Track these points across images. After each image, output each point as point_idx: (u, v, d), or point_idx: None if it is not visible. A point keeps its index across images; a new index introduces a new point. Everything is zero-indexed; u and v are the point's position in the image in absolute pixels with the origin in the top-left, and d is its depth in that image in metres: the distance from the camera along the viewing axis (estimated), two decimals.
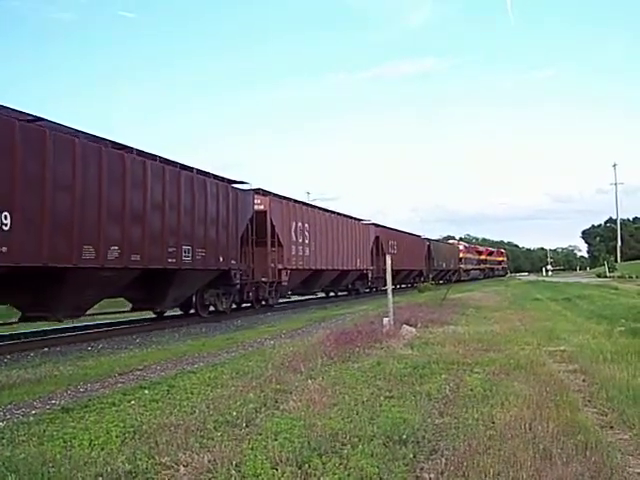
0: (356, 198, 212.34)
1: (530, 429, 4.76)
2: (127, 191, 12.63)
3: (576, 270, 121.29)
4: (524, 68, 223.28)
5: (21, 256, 10.09)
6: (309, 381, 6.77)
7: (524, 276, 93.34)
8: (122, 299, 16.18)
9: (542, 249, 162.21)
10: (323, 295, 29.64)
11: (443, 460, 4.16)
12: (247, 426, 5.04)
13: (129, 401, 6.04)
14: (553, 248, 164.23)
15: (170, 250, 14.06)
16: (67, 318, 13.01)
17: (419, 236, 47.00)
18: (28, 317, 12.43)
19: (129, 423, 5.11)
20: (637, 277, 54.30)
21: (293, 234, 21.85)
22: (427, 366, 7.70)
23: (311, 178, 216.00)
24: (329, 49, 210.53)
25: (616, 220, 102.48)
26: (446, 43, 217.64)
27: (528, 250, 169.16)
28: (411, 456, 4.24)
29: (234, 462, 4.09)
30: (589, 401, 6.12)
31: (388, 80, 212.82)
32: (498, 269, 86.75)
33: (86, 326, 15.18)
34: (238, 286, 18.09)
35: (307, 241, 23.02)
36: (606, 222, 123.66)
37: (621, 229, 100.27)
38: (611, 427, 5.18)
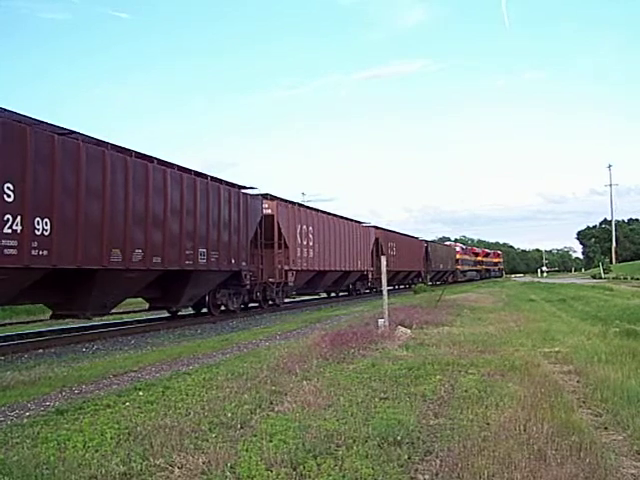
0: (351, 199, 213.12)
1: (525, 430, 4.77)
2: (150, 198, 13.60)
3: (571, 271, 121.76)
4: (517, 69, 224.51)
5: (59, 259, 10.98)
6: (304, 382, 6.77)
7: (519, 277, 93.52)
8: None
9: (537, 250, 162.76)
10: (325, 295, 30.63)
11: (438, 461, 4.17)
12: (242, 427, 5.04)
13: (124, 403, 6.02)
14: (548, 249, 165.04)
15: (187, 252, 15.05)
16: (94, 316, 13.85)
17: (417, 238, 47.84)
18: (57, 315, 13.38)
19: (124, 425, 5.10)
20: (632, 278, 54.51)
21: (298, 236, 22.74)
22: (422, 367, 7.71)
23: (306, 179, 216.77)
24: (325, 50, 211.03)
25: (611, 221, 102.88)
26: (438, 44, 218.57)
27: (523, 251, 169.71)
28: (406, 457, 4.25)
29: (229, 463, 4.09)
30: (584, 402, 6.13)
31: (382, 81, 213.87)
32: (494, 270, 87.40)
33: (80, 327, 15.18)
34: (248, 286, 19.02)
35: (311, 243, 23.95)
36: (601, 223, 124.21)
37: (616, 230, 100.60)
38: (605, 428, 5.20)
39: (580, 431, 4.80)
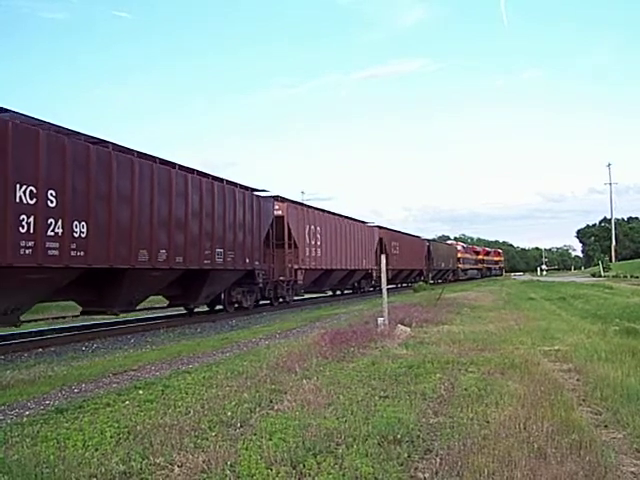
0: (350, 198, 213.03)
1: (525, 428, 4.77)
2: (173, 202, 14.54)
3: (571, 270, 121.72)
4: (516, 69, 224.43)
5: (94, 259, 11.92)
6: (304, 381, 6.76)
7: (519, 276, 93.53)
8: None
9: (537, 249, 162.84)
10: (330, 293, 31.34)
11: (438, 459, 4.16)
12: (242, 426, 5.04)
13: (123, 401, 6.02)
14: (548, 248, 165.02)
15: (206, 252, 15.98)
16: (121, 312, 14.80)
17: (419, 237, 48.88)
18: (87, 311, 14.31)
19: (123, 423, 5.09)
20: (631, 276, 54.53)
21: (307, 237, 23.67)
22: (422, 366, 7.70)
23: (306, 178, 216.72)
24: (324, 50, 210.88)
25: (610, 220, 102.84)
26: (437, 44, 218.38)
27: (523, 250, 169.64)
28: (406, 456, 4.24)
29: (229, 462, 4.08)
30: (583, 400, 6.13)
31: (380, 81, 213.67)
32: (495, 269, 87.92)
33: (81, 326, 15.19)
34: (260, 284, 19.93)
35: (319, 243, 24.93)
36: (600, 222, 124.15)
37: (615, 229, 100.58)
38: (605, 426, 5.19)
39: (580, 429, 4.80)
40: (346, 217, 29.88)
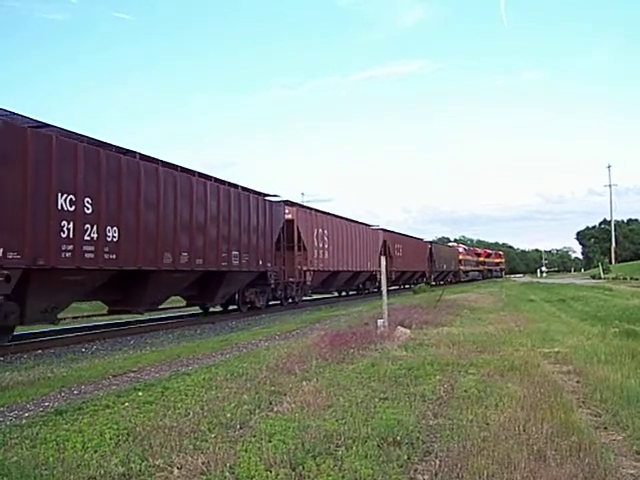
0: (349, 199, 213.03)
1: (524, 430, 4.77)
2: (193, 207, 15.58)
3: (571, 271, 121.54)
4: (516, 69, 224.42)
5: (124, 261, 12.95)
6: (303, 383, 6.76)
7: (519, 277, 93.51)
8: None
9: (537, 250, 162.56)
10: (336, 294, 32.35)
11: (437, 461, 4.16)
12: (241, 428, 5.03)
13: (123, 403, 6.01)
14: (548, 249, 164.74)
15: (223, 255, 17.04)
16: (146, 311, 16.01)
17: (421, 239, 49.80)
18: (113, 310, 15.17)
19: (123, 425, 5.09)
20: (631, 278, 54.49)
21: (315, 239, 24.76)
22: (421, 367, 7.69)
23: (305, 179, 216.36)
24: (324, 50, 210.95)
25: (610, 221, 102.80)
26: (437, 44, 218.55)
27: (523, 252, 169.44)
28: (405, 457, 4.24)
29: (228, 464, 4.08)
30: (583, 402, 6.12)
31: (380, 82, 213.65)
32: (496, 270, 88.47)
33: (81, 328, 15.17)
34: (272, 285, 20.98)
35: (326, 245, 25.99)
36: (600, 223, 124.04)
37: (615, 230, 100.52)
38: (605, 428, 5.19)
39: (579, 431, 4.80)
40: (352, 220, 30.88)
